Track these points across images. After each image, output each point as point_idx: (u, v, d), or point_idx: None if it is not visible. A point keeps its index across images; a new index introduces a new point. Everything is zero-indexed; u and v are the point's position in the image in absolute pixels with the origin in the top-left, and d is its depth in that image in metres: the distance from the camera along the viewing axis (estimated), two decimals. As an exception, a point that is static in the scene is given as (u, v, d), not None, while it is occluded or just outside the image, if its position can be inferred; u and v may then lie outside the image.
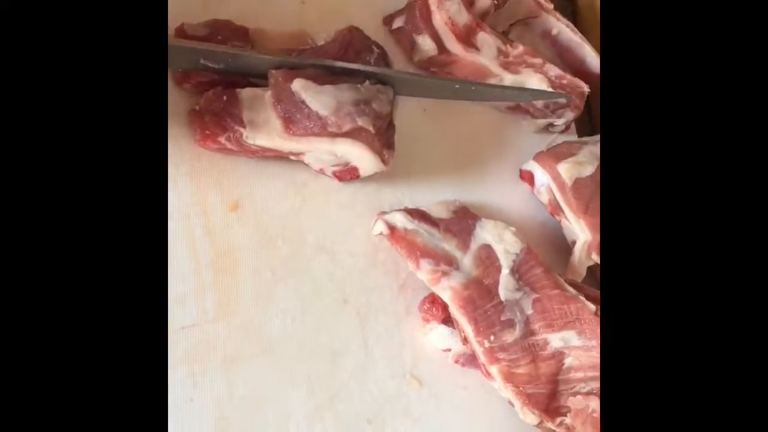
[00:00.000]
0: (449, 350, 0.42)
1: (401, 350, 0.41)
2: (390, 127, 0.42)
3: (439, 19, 0.49)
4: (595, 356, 0.40)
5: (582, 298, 0.41)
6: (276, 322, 0.39)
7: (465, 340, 0.40)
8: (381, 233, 0.41)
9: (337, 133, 0.39)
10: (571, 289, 0.42)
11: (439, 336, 0.42)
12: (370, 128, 0.40)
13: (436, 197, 0.45)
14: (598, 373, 0.40)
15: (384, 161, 0.41)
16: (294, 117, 0.39)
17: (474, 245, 0.42)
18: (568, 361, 0.40)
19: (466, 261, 0.42)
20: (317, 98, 0.39)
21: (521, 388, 0.39)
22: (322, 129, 0.39)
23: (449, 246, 0.42)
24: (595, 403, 0.39)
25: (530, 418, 0.39)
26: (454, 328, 0.41)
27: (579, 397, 0.39)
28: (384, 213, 0.42)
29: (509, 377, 0.39)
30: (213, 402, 0.36)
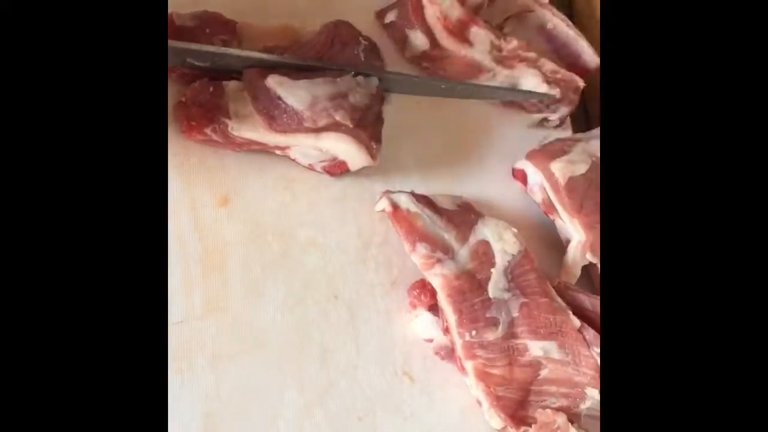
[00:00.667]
0: (431, 340, 0.41)
1: (393, 347, 0.41)
2: (378, 120, 0.42)
3: (431, 14, 0.48)
4: (571, 372, 0.40)
5: (569, 312, 0.41)
6: (265, 318, 0.39)
7: (446, 330, 0.40)
8: (384, 210, 0.42)
9: (314, 128, 0.39)
10: (560, 300, 0.41)
11: (423, 324, 0.41)
12: (347, 123, 0.39)
13: (428, 192, 0.45)
14: (571, 390, 0.40)
15: (372, 155, 0.41)
16: (273, 113, 0.39)
17: (473, 239, 0.42)
18: (544, 373, 0.40)
19: (463, 253, 0.42)
20: (292, 93, 0.39)
21: (492, 389, 0.39)
22: (299, 124, 0.39)
23: (448, 235, 0.42)
24: (562, 420, 0.38)
25: (495, 421, 0.38)
26: (439, 317, 0.41)
27: (548, 410, 0.38)
28: (390, 192, 0.42)
29: (482, 376, 0.39)
30: (201, 398, 0.36)
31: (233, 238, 0.39)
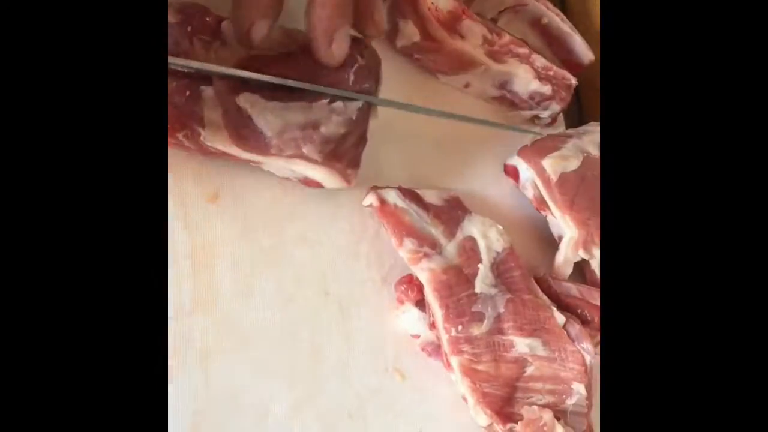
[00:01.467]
0: (418, 336, 0.41)
1: (384, 343, 0.41)
2: (359, 143, 0.40)
3: (422, 4, 0.47)
4: (557, 368, 0.40)
5: (553, 308, 0.41)
6: (255, 314, 0.38)
7: (432, 325, 0.40)
8: (371, 205, 0.41)
9: (279, 155, 0.37)
10: (544, 297, 0.42)
11: (410, 319, 0.41)
12: (315, 156, 0.37)
13: (419, 187, 0.45)
14: (557, 386, 0.40)
15: (346, 181, 0.39)
16: (241, 132, 0.37)
17: (460, 235, 0.42)
18: (529, 370, 0.40)
19: (450, 248, 0.42)
20: (263, 116, 0.37)
21: (478, 385, 0.39)
22: (266, 150, 0.37)
23: (435, 231, 0.42)
24: (548, 416, 0.39)
25: (481, 418, 0.39)
26: (426, 312, 0.41)
27: (534, 407, 0.39)
28: (377, 187, 0.42)
29: (468, 372, 0.39)
30: (190, 396, 0.35)
31: (223, 235, 0.39)
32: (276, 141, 0.37)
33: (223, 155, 0.38)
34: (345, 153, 0.39)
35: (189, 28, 0.38)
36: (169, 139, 0.37)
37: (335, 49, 0.37)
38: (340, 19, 0.36)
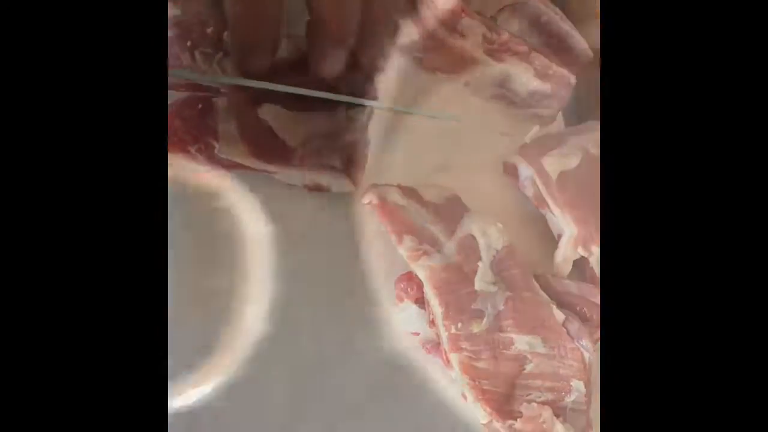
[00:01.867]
0: (418, 334, 0.42)
1: (383, 340, 0.41)
2: (366, 146, 0.40)
3: (422, 2, 0.47)
4: (556, 366, 0.40)
5: (552, 305, 0.41)
6: (254, 312, 0.38)
7: (432, 323, 0.40)
8: (370, 203, 0.41)
9: (300, 165, 0.37)
10: (543, 295, 0.42)
11: (409, 317, 0.41)
12: (337, 164, 0.37)
13: (417, 185, 0.45)
14: (556, 383, 0.40)
15: (354, 183, 0.40)
16: (261, 144, 0.37)
17: (459, 233, 0.42)
18: (529, 367, 0.40)
19: (450, 246, 0.42)
20: (287, 128, 0.37)
21: (477, 382, 0.39)
22: (288, 161, 0.37)
23: (435, 228, 0.42)
24: (548, 413, 0.39)
25: (481, 415, 0.39)
26: (425, 310, 0.41)
27: (534, 404, 0.39)
28: (377, 184, 0.42)
29: (467, 369, 0.39)
30: (189, 394, 0.35)
31: (222, 233, 0.39)
32: (300, 151, 0.37)
33: (238, 167, 0.38)
34: (358, 159, 0.39)
35: (189, 43, 0.37)
36: (180, 153, 0.37)
37: (328, 65, 0.36)
38: (337, 41, 0.35)
